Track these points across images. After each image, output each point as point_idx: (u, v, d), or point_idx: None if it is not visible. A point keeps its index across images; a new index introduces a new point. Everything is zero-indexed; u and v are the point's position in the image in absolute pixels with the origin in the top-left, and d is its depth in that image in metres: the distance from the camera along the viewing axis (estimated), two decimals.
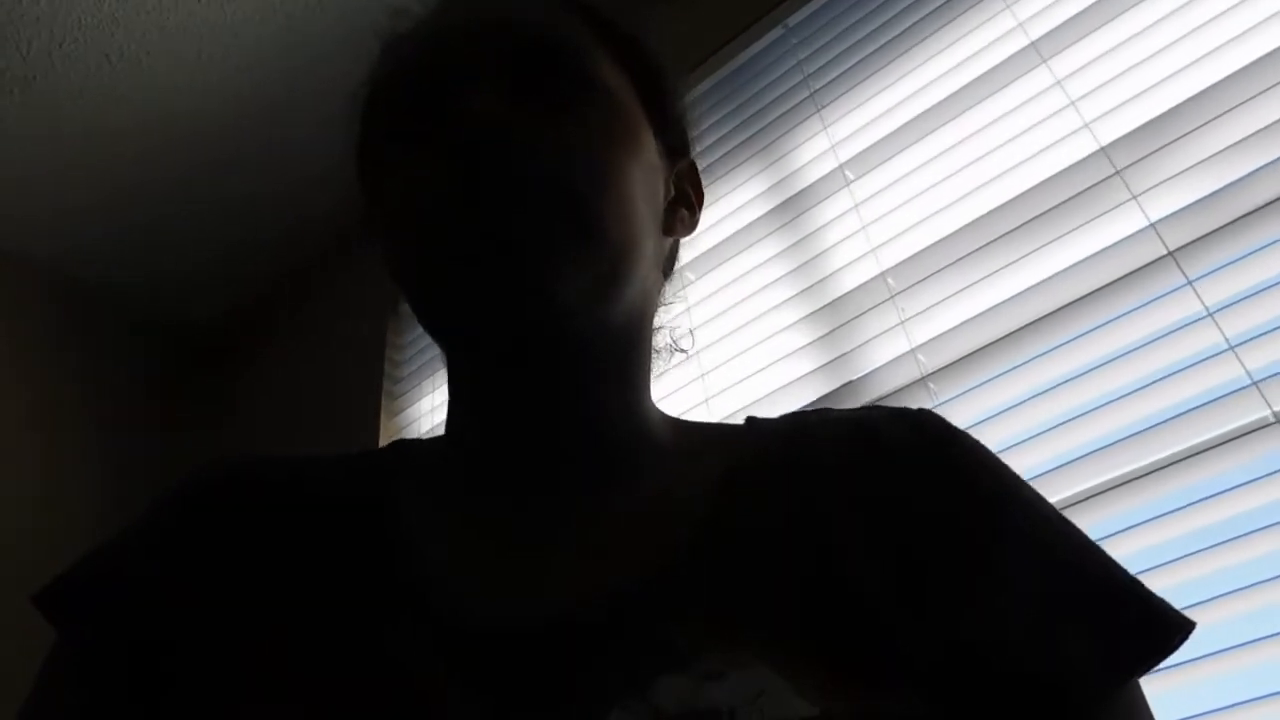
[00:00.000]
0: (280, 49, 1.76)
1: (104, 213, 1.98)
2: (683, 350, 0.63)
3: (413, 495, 0.50)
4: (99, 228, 2.01)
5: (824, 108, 1.38)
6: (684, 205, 0.58)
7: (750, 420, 0.54)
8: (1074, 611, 0.43)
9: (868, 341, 1.17)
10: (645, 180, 0.51)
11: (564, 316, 0.45)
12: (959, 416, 1.05)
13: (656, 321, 0.58)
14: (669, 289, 0.61)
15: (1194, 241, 0.96)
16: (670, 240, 0.57)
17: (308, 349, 2.06)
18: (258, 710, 0.41)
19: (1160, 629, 0.43)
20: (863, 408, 0.53)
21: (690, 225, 0.58)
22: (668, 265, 0.59)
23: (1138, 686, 0.43)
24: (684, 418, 0.58)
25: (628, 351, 0.52)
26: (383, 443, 1.71)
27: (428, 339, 1.80)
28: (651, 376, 0.55)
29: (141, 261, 2.09)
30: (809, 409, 0.54)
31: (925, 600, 0.42)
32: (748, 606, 0.41)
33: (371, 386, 1.80)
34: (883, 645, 0.40)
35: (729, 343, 1.31)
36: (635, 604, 0.42)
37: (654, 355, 0.58)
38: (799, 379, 1.21)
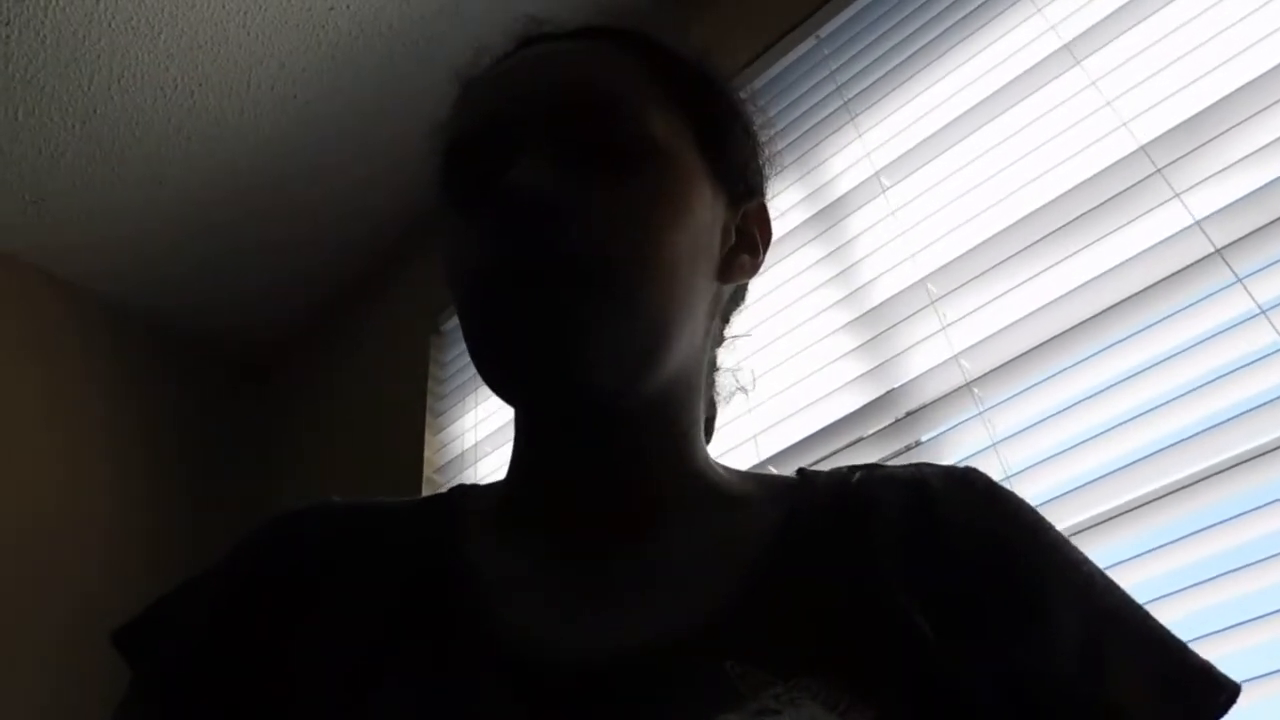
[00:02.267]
0: (324, 77, 1.80)
1: (154, 237, 2.04)
2: (744, 390, 0.65)
3: (477, 538, 0.52)
4: (155, 256, 2.07)
5: (857, 116, 1.37)
6: (746, 250, 0.57)
7: (801, 472, 0.55)
8: (1123, 664, 0.43)
9: (909, 349, 1.16)
10: (692, 241, 0.51)
11: (609, 388, 0.47)
12: (1006, 422, 1.04)
13: (720, 360, 0.60)
14: (732, 326, 0.62)
15: (1242, 238, 0.94)
16: (731, 286, 0.57)
17: (352, 369, 2.10)
18: None
19: (1209, 689, 0.43)
20: (911, 465, 0.54)
21: (752, 269, 0.57)
22: (729, 308, 0.60)
23: None
24: (738, 467, 0.60)
25: (679, 407, 0.53)
26: (428, 459, 1.73)
27: (467, 358, 1.82)
28: (702, 423, 0.55)
29: (190, 285, 2.15)
30: (857, 466, 0.55)
31: (976, 642, 0.43)
32: (802, 648, 0.42)
33: (416, 405, 1.83)
34: (932, 684, 0.41)
35: (769, 353, 1.30)
36: (694, 645, 0.43)
37: (716, 397, 0.60)
38: (841, 387, 1.21)
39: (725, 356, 0.63)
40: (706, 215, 0.53)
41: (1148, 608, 0.47)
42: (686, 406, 0.53)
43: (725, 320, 0.61)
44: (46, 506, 1.83)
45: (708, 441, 0.64)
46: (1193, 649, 0.45)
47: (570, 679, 0.42)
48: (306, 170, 1.96)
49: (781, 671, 0.41)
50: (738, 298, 0.61)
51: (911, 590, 0.44)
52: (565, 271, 0.46)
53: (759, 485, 0.55)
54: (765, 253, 0.59)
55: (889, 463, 1.11)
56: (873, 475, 0.53)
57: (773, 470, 1.05)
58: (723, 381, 0.62)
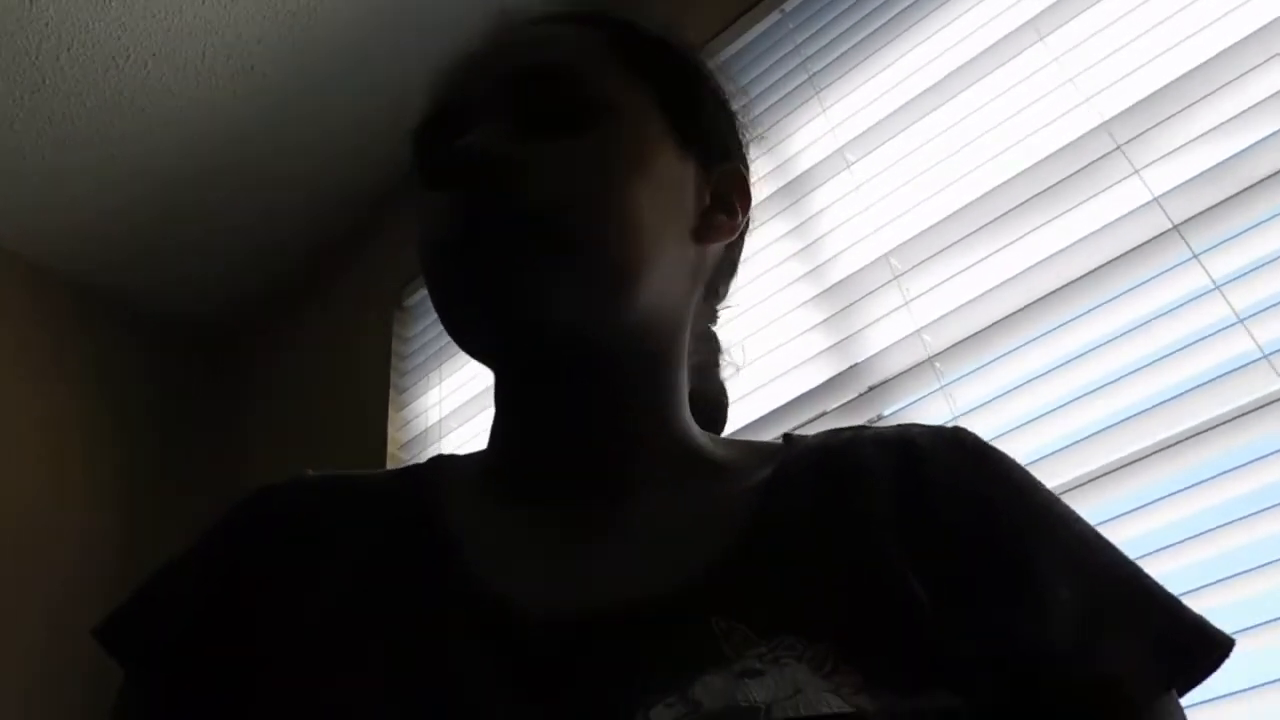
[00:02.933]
0: (281, 47, 1.76)
1: (111, 215, 1.99)
2: (735, 365, 0.65)
3: (457, 505, 0.52)
4: (107, 230, 2.02)
5: (822, 90, 1.37)
6: (723, 211, 0.57)
7: (788, 436, 0.55)
8: (1115, 623, 0.43)
9: (872, 324, 1.17)
10: (653, 194, 0.51)
11: (567, 337, 0.48)
12: (966, 396, 1.05)
13: (715, 331, 0.60)
14: (720, 297, 0.62)
15: (1199, 215, 0.95)
16: (710, 248, 0.57)
17: (315, 345, 2.07)
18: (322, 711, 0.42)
19: (1203, 645, 0.43)
20: (899, 425, 0.54)
21: (729, 230, 0.57)
22: (715, 276, 0.59)
23: (1176, 700, 0.44)
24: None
25: (657, 361, 0.53)
26: (392, 436, 1.72)
27: (432, 333, 1.81)
28: (685, 389, 0.55)
29: (149, 262, 2.11)
30: (844, 428, 0.55)
31: (965, 606, 0.43)
32: (787, 607, 0.42)
33: (380, 382, 1.81)
34: (920, 646, 0.41)
35: (733, 327, 1.30)
36: (679, 602, 0.43)
37: (722, 379, 0.60)
38: (804, 362, 1.21)
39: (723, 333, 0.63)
40: (672, 172, 0.53)
41: None
42: (666, 366, 0.53)
43: (715, 292, 0.61)
44: (13, 489, 1.80)
45: (720, 429, 0.65)
46: (1186, 604, 0.45)
47: (553, 637, 0.42)
48: (265, 144, 1.91)
49: (766, 631, 0.41)
50: (726, 268, 0.61)
51: (902, 552, 0.44)
52: (515, 221, 0.47)
53: (743, 451, 0.55)
54: (745, 216, 0.59)
55: None
56: (860, 435, 0.52)
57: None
58: (726, 360, 0.63)
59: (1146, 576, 0.46)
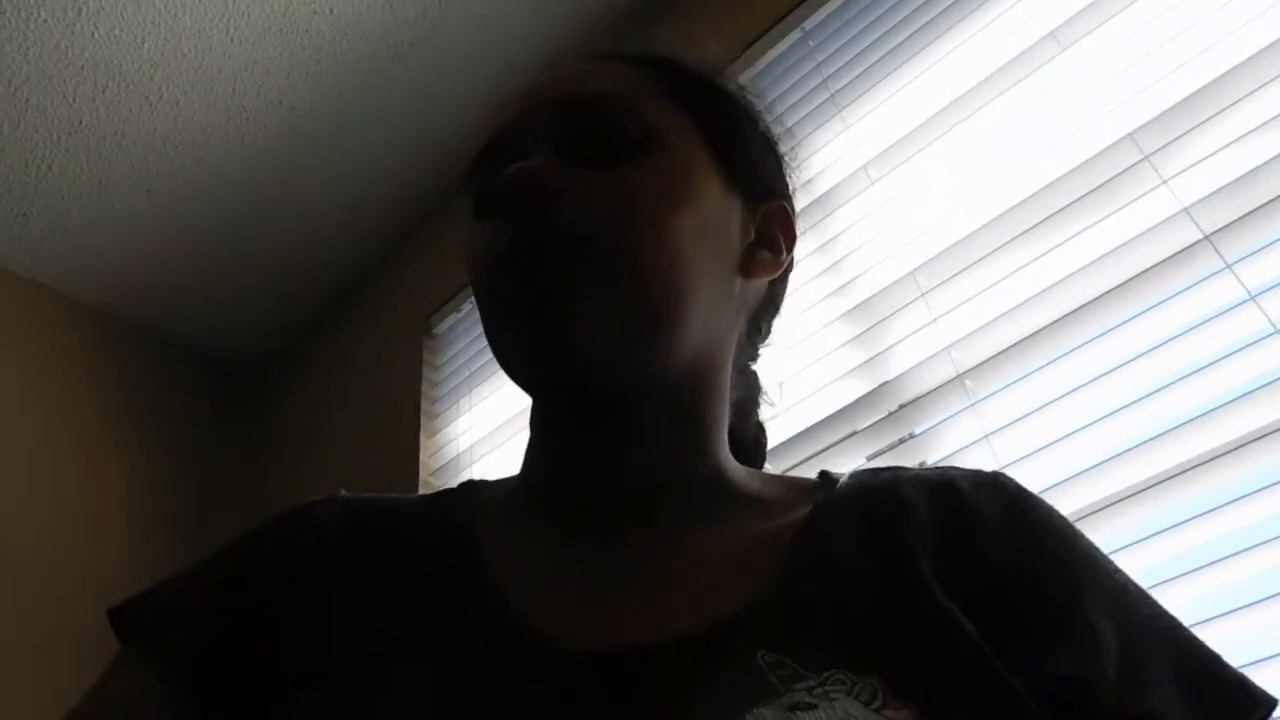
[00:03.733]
0: (308, 82, 1.80)
1: (148, 249, 2.03)
2: (770, 403, 0.65)
3: (489, 530, 0.52)
4: (146, 265, 2.06)
5: (844, 108, 1.37)
6: (767, 247, 0.57)
7: (824, 474, 0.55)
8: (1156, 675, 0.43)
9: (900, 342, 1.16)
10: (698, 227, 0.51)
11: (610, 366, 0.48)
12: (998, 414, 1.03)
13: (754, 368, 0.60)
14: (763, 335, 0.62)
15: (1230, 224, 0.94)
16: (753, 284, 0.57)
17: (346, 373, 2.09)
18: None
19: (1244, 703, 0.43)
20: (938, 468, 0.54)
21: (774, 266, 0.58)
22: (758, 313, 0.60)
23: None
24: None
25: (698, 395, 0.53)
26: (423, 463, 1.73)
27: (461, 360, 1.82)
28: (726, 424, 0.55)
29: (183, 293, 2.14)
30: (883, 467, 0.55)
31: (1012, 644, 0.42)
32: (833, 641, 0.42)
33: (411, 409, 1.83)
34: (970, 682, 0.41)
35: (767, 355, 1.30)
36: (724, 637, 0.43)
37: (759, 415, 0.61)
38: (834, 381, 1.20)
39: (763, 372, 0.63)
40: (716, 206, 0.53)
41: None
42: (707, 400, 0.53)
43: (757, 329, 0.61)
44: (55, 521, 1.84)
45: (759, 465, 0.64)
46: (1227, 660, 0.44)
47: (597, 670, 0.42)
48: (295, 175, 1.95)
49: (814, 665, 0.40)
50: (769, 305, 0.61)
51: (949, 589, 0.44)
52: (561, 248, 0.47)
53: (781, 486, 0.55)
54: (789, 253, 0.59)
55: (883, 455, 1.11)
56: (900, 475, 0.52)
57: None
58: (765, 399, 0.63)
59: (1186, 630, 0.45)
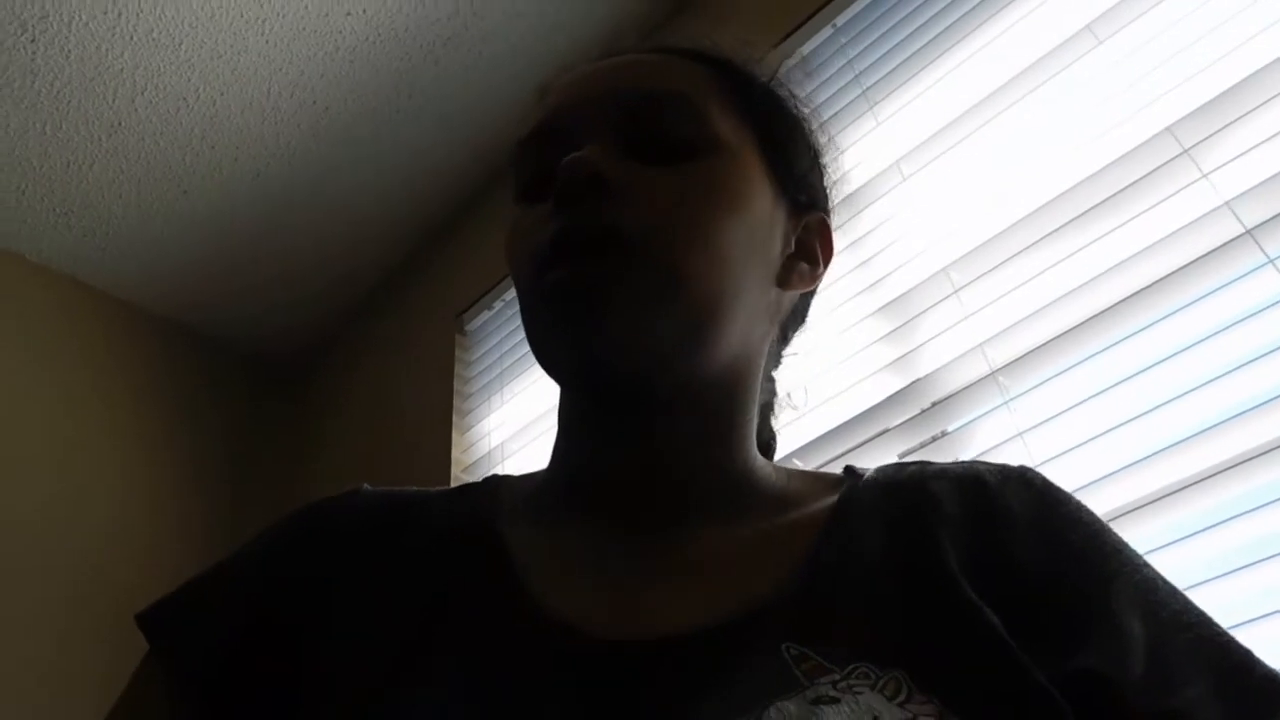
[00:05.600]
0: (342, 82, 1.81)
1: (187, 248, 2.07)
2: (794, 406, 0.65)
3: (515, 524, 0.52)
4: (183, 263, 2.10)
5: (876, 104, 1.36)
6: (805, 259, 0.57)
7: (849, 469, 0.55)
8: (1185, 669, 0.42)
9: (933, 339, 1.15)
10: (748, 234, 0.51)
11: (650, 366, 0.48)
12: (1032, 412, 1.02)
13: (775, 375, 0.60)
14: (791, 346, 0.62)
15: (1273, 218, 0.92)
16: (788, 294, 0.57)
17: (379, 371, 2.11)
18: None
19: (1275, 697, 0.42)
20: (964, 462, 0.54)
21: (810, 279, 0.58)
22: (789, 320, 0.60)
23: None
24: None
25: (731, 398, 0.53)
26: (456, 459, 1.74)
27: (493, 357, 1.83)
28: (755, 426, 0.55)
29: (223, 294, 2.18)
30: (908, 462, 0.55)
31: (1040, 638, 0.42)
32: (858, 634, 0.42)
33: (443, 405, 1.84)
34: (996, 676, 0.40)
35: (794, 343, 1.29)
36: (748, 629, 0.43)
37: (772, 420, 0.61)
38: (866, 378, 1.20)
39: (781, 378, 0.63)
40: (765, 214, 0.53)
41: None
42: (739, 403, 0.53)
43: (784, 337, 0.61)
44: (98, 516, 1.88)
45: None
46: (1258, 655, 0.44)
47: (623, 661, 0.42)
48: (329, 175, 1.97)
49: (838, 659, 0.40)
50: (798, 315, 0.61)
51: (976, 583, 0.44)
52: (612, 243, 0.47)
53: (806, 481, 0.55)
54: (825, 267, 0.59)
55: (915, 453, 1.11)
56: (926, 470, 0.52)
57: (799, 465, 1.05)
58: (780, 405, 0.63)
59: (1217, 625, 0.45)
